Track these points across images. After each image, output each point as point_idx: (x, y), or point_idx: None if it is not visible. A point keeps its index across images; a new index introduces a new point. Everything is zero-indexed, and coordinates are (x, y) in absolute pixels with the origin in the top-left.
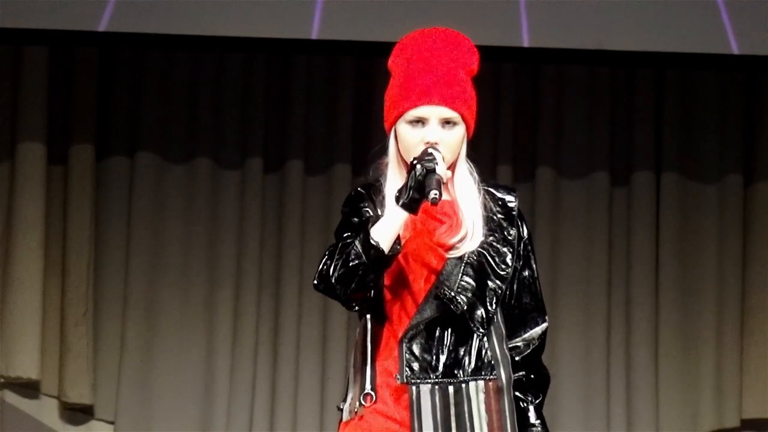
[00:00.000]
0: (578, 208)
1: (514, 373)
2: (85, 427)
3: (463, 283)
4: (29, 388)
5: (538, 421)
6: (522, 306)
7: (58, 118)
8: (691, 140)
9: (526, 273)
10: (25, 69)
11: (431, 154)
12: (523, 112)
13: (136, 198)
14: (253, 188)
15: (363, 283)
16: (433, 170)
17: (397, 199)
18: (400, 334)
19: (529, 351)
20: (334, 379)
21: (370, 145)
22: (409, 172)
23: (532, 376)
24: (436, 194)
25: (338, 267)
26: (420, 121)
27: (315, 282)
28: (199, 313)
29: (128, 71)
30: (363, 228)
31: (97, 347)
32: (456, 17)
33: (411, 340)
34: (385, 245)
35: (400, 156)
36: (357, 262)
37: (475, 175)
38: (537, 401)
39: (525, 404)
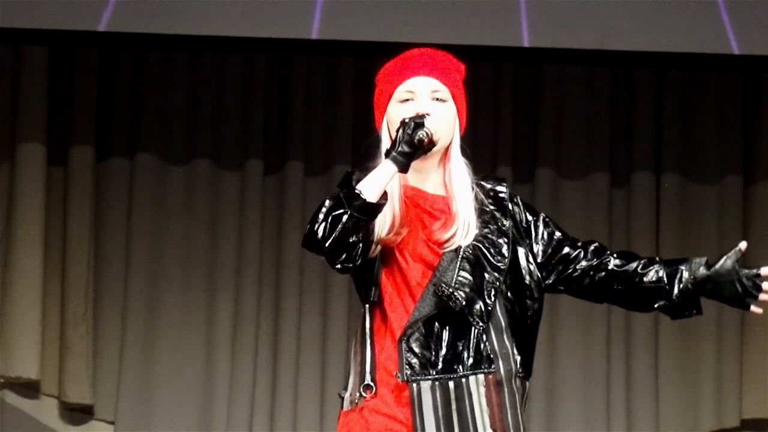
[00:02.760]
0: (578, 208)
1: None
2: (85, 427)
3: (460, 278)
4: (29, 388)
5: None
6: (580, 253)
7: (58, 119)
8: (691, 140)
9: (557, 239)
10: (25, 69)
11: (422, 114)
12: (523, 112)
13: (136, 198)
14: (253, 189)
15: (344, 234)
16: (422, 124)
17: (387, 153)
18: (398, 331)
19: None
20: (334, 379)
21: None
22: (398, 130)
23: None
24: (422, 133)
25: (321, 218)
26: (410, 100)
27: (302, 239)
28: (199, 314)
29: (128, 71)
30: (349, 184)
31: (97, 347)
32: (456, 17)
33: (409, 337)
34: (369, 195)
35: None
36: (340, 210)
37: (470, 170)
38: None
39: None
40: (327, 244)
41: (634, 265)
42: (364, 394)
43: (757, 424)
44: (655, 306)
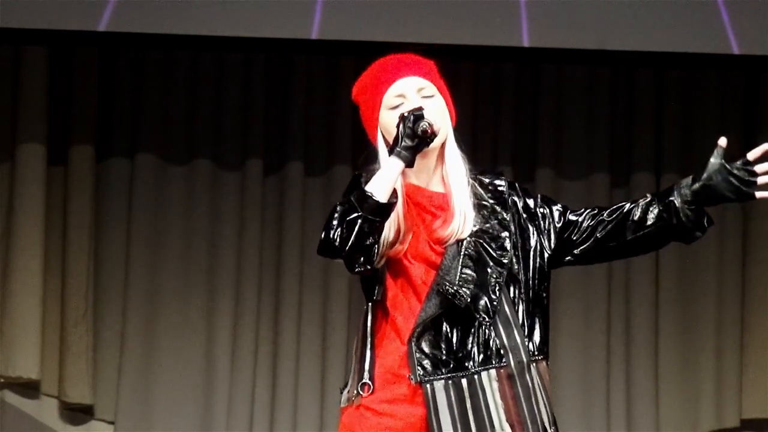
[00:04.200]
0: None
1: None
2: (85, 427)
3: (463, 275)
4: (29, 388)
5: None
6: (580, 219)
7: (58, 119)
8: (691, 140)
9: (557, 212)
10: (25, 69)
11: (419, 107)
12: (523, 112)
13: (136, 198)
14: (253, 189)
15: (361, 237)
16: (422, 116)
17: (391, 150)
18: (403, 331)
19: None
20: (334, 379)
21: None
22: (398, 126)
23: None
24: (425, 124)
25: (336, 224)
26: (400, 105)
27: (318, 247)
28: (199, 314)
29: (128, 71)
30: (358, 187)
31: (97, 347)
32: (456, 17)
33: (419, 338)
34: (380, 195)
35: None
36: (353, 215)
37: (466, 162)
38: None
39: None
40: (345, 250)
41: (626, 214)
42: (361, 392)
43: (757, 424)
44: (665, 243)
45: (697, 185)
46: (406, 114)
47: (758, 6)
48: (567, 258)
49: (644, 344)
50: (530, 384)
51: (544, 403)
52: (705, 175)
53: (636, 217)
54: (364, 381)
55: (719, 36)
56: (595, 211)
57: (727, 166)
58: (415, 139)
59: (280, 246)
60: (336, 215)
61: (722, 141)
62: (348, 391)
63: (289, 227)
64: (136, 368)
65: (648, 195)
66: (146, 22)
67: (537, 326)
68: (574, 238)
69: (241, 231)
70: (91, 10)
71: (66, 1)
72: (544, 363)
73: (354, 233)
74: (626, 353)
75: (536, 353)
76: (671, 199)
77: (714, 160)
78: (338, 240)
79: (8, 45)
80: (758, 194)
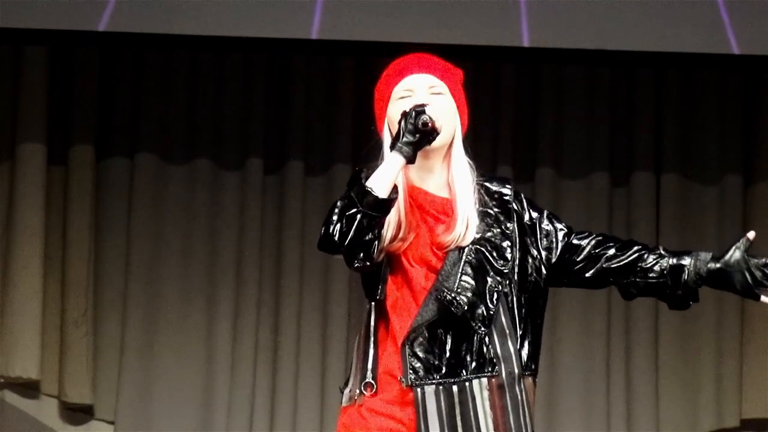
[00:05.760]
0: (578, 208)
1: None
2: (85, 427)
3: (462, 282)
4: (29, 388)
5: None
6: (583, 245)
7: (58, 119)
8: (691, 140)
9: (561, 231)
10: (25, 69)
11: (422, 103)
12: (523, 112)
13: (136, 198)
14: (253, 189)
15: (360, 232)
16: (423, 111)
17: (392, 146)
18: (400, 334)
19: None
20: (334, 379)
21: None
22: (400, 122)
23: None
24: (425, 118)
25: (336, 219)
26: (408, 97)
27: (318, 242)
28: (199, 313)
29: (128, 71)
30: (359, 182)
31: (97, 347)
32: (456, 17)
33: (413, 342)
34: (379, 191)
35: None
36: (353, 210)
37: (473, 170)
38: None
39: (652, 256)
40: (344, 245)
41: (636, 258)
42: (364, 392)
43: (757, 424)
44: (650, 296)
45: (714, 265)
46: (408, 110)
47: (758, 6)
48: (564, 279)
49: (644, 344)
50: (518, 396)
51: (529, 419)
52: (724, 260)
53: (644, 266)
54: (367, 380)
55: (719, 36)
56: (600, 238)
57: (748, 261)
58: (416, 134)
59: (280, 246)
60: (336, 210)
61: (751, 234)
62: (350, 390)
63: (289, 227)
64: (136, 368)
65: (661, 248)
66: (146, 22)
67: (527, 342)
68: (576, 259)
69: (241, 231)
70: (91, 10)
71: (66, 1)
72: (530, 379)
73: (353, 228)
74: (626, 353)
75: (524, 368)
76: (684, 265)
77: (738, 251)
78: (338, 235)
79: (8, 45)
80: (763, 298)
